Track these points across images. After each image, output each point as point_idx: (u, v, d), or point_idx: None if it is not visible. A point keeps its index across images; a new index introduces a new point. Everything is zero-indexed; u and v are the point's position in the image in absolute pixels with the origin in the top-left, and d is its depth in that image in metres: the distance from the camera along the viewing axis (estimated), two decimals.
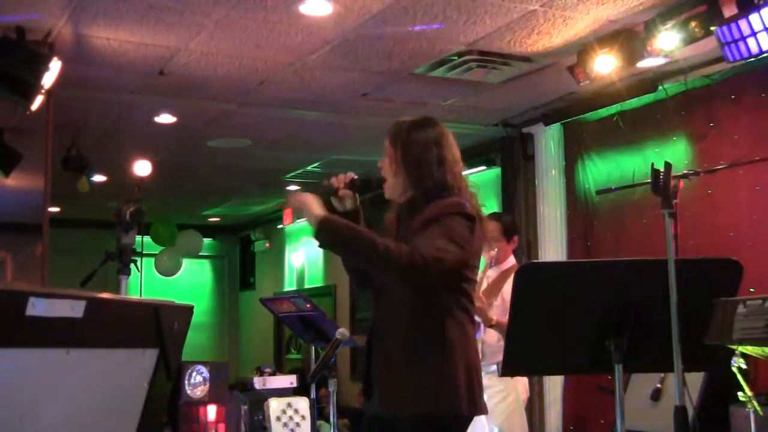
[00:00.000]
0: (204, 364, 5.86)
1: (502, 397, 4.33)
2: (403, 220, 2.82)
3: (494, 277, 4.52)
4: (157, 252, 10.75)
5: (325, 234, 2.63)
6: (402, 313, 2.70)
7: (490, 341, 4.34)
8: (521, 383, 4.40)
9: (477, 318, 4.28)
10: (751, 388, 3.54)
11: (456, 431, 2.70)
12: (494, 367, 4.32)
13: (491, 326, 4.27)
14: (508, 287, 4.37)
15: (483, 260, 4.51)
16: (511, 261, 4.57)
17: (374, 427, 2.81)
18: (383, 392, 2.71)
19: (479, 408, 2.71)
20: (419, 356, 2.65)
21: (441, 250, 2.55)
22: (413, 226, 2.70)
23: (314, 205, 2.66)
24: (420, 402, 2.62)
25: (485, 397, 4.36)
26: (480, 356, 4.31)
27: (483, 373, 4.35)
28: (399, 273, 2.55)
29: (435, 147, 2.80)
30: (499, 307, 4.31)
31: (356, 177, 2.89)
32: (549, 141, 6.67)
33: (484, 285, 4.50)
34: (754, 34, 4.11)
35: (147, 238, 10.19)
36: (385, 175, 2.86)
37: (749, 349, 2.62)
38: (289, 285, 11.26)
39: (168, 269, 10.83)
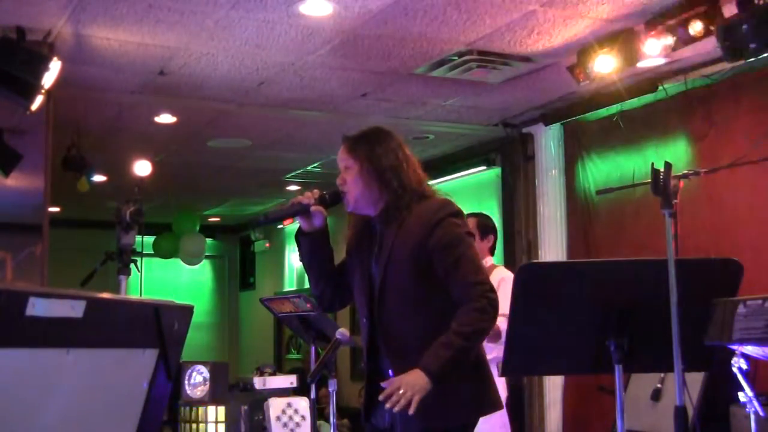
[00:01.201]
0: (204, 364, 5.87)
1: None
2: (379, 230, 2.79)
3: None
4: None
5: (444, 377, 2.59)
6: (419, 328, 2.69)
7: None
8: (500, 382, 4.38)
9: None
10: (752, 389, 3.53)
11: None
12: None
13: None
14: None
15: None
16: (489, 261, 4.55)
17: None
18: (425, 406, 2.66)
19: (499, 403, 2.81)
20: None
21: (484, 285, 2.65)
22: (404, 239, 2.70)
23: (419, 382, 2.54)
24: (467, 409, 2.67)
25: None
26: None
27: None
28: (492, 325, 2.68)
29: (399, 152, 2.82)
30: None
31: (325, 192, 2.84)
32: (549, 141, 6.68)
33: None
34: (754, 34, 4.10)
35: (147, 239, 10.20)
36: (352, 189, 2.80)
37: (749, 349, 2.62)
38: (289, 285, 11.26)
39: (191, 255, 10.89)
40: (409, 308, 2.71)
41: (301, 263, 2.97)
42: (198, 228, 10.93)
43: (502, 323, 4.17)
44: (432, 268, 2.68)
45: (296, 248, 2.94)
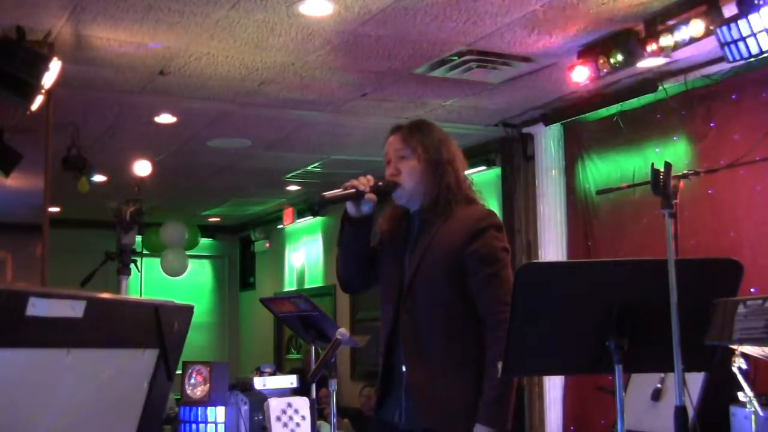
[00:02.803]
0: (204, 364, 5.86)
1: None
2: (419, 224, 2.78)
3: None
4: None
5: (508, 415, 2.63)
6: (445, 328, 2.69)
7: None
8: None
9: None
10: (752, 389, 3.54)
11: None
12: None
13: None
14: None
15: None
16: None
17: None
18: (425, 409, 2.66)
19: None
20: (461, 375, 2.65)
21: (506, 312, 2.58)
22: (444, 240, 2.69)
23: None
24: (458, 419, 2.64)
25: None
26: None
27: None
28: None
29: (451, 145, 2.81)
30: None
31: (380, 182, 2.79)
32: (549, 141, 6.67)
33: None
34: (754, 34, 4.10)
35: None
36: (403, 180, 2.76)
37: (749, 349, 2.62)
38: (289, 285, 11.26)
39: (174, 269, 10.87)
40: (434, 306, 2.70)
41: (337, 244, 2.92)
42: (198, 240, 10.93)
43: None
44: (464, 274, 2.67)
45: (339, 233, 2.87)
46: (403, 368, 2.70)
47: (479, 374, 2.66)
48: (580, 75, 5.10)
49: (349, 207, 2.78)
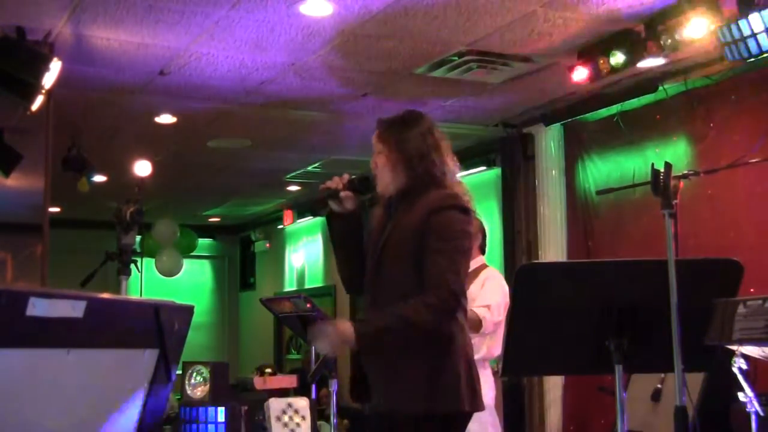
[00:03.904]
0: (204, 364, 5.86)
1: None
2: (392, 211, 2.82)
3: None
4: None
5: (369, 349, 2.65)
6: None
7: None
8: (487, 381, 4.39)
9: None
10: (752, 389, 3.54)
11: (457, 428, 2.70)
12: None
13: None
14: (474, 288, 4.37)
15: None
16: (479, 261, 4.54)
17: (377, 423, 2.80)
18: (385, 389, 2.70)
19: (480, 404, 2.71)
20: (421, 352, 2.65)
21: (451, 285, 2.61)
22: (405, 222, 2.72)
23: (342, 333, 2.60)
24: (422, 398, 2.62)
25: None
26: None
27: None
28: (434, 327, 2.63)
29: (429, 136, 2.84)
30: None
31: (354, 177, 2.88)
32: (549, 141, 6.67)
33: None
34: (754, 34, 4.10)
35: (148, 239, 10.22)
36: (380, 172, 2.85)
37: (750, 350, 2.62)
38: (290, 285, 11.26)
39: (169, 269, 10.86)
40: (396, 286, 2.72)
41: (331, 244, 2.99)
42: (195, 243, 10.95)
43: (484, 313, 4.20)
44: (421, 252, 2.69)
45: (328, 233, 2.95)
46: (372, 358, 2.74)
47: (437, 355, 2.66)
48: (581, 75, 5.11)
49: (333, 206, 2.87)
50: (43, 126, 4.94)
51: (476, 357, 4.30)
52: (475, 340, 4.31)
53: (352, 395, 2.85)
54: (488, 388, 4.38)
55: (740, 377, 3.33)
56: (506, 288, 4.30)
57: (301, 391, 5.96)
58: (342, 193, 2.84)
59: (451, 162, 2.86)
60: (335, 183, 2.86)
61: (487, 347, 4.34)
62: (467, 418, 2.72)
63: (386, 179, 2.84)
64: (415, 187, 2.77)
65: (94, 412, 1.66)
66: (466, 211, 2.74)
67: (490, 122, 6.98)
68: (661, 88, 5.66)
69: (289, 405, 5.51)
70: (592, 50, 5.03)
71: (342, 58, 5.30)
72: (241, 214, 11.66)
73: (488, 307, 4.21)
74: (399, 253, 2.71)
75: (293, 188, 9.51)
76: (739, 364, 3.33)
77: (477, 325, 4.17)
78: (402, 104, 6.30)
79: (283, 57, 5.25)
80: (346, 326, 2.60)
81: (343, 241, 2.93)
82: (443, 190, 2.77)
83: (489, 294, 4.28)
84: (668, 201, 2.61)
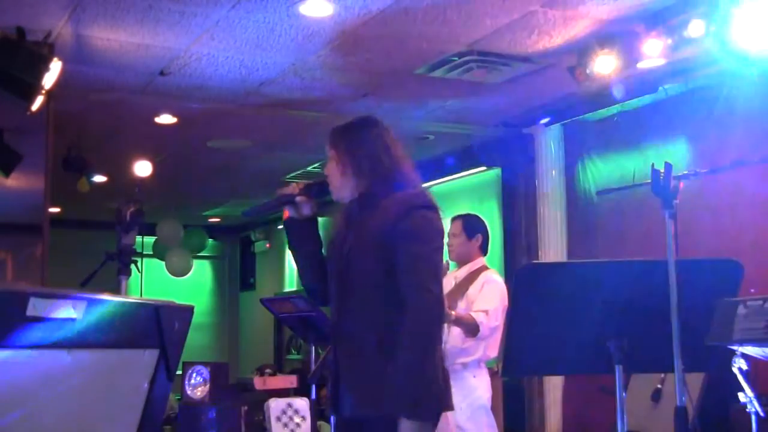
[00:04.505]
0: (204, 364, 5.86)
1: (463, 396, 4.32)
2: (354, 216, 2.81)
3: (462, 278, 4.51)
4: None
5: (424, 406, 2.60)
6: (375, 312, 2.70)
7: (455, 343, 4.33)
8: (483, 382, 4.39)
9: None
10: (752, 389, 3.54)
11: (435, 425, 2.70)
12: (456, 367, 4.33)
13: (452, 322, 4.26)
14: (473, 290, 4.37)
15: (453, 263, 4.55)
16: (480, 262, 4.55)
17: (347, 429, 2.80)
18: (360, 392, 2.69)
19: (450, 404, 2.72)
20: (389, 357, 2.63)
21: (433, 294, 2.61)
22: (374, 223, 2.71)
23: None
24: (390, 400, 2.62)
25: None
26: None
27: None
28: (437, 329, 2.63)
29: (380, 141, 2.84)
30: (464, 310, 4.31)
31: (310, 182, 2.92)
32: (549, 141, 6.67)
33: (452, 285, 4.51)
34: (754, 34, 4.10)
35: (147, 239, 10.23)
36: (332, 178, 2.87)
37: (750, 350, 2.62)
38: (290, 285, 11.26)
39: (179, 270, 10.92)
40: (364, 287, 2.70)
41: (290, 251, 3.00)
42: (206, 243, 11.02)
43: (482, 318, 4.20)
44: (394, 254, 2.67)
45: (287, 239, 2.96)
46: (338, 358, 2.72)
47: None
48: (581, 75, 5.10)
49: (291, 212, 2.89)
50: (43, 126, 4.94)
51: (472, 359, 4.34)
52: (470, 343, 4.32)
53: (329, 405, 2.84)
54: (485, 389, 4.39)
55: (740, 377, 3.34)
56: (505, 292, 4.31)
57: (301, 391, 5.96)
58: (298, 198, 2.85)
59: (407, 165, 2.85)
60: (291, 189, 2.88)
61: (483, 349, 4.34)
62: (438, 417, 2.75)
63: (338, 184, 2.85)
64: (372, 190, 2.77)
65: (95, 413, 1.66)
66: (435, 209, 2.75)
67: (490, 122, 6.98)
68: (661, 88, 5.66)
69: (289, 405, 5.52)
70: (592, 50, 5.02)
71: (342, 59, 5.30)
72: (240, 214, 11.65)
73: (486, 312, 4.21)
74: (367, 256, 2.71)
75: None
76: (739, 365, 3.33)
77: (474, 329, 4.17)
78: (402, 104, 6.31)
79: (283, 57, 5.25)
80: (407, 425, 2.54)
81: (302, 247, 2.93)
82: (410, 190, 2.78)
83: (487, 298, 4.28)
84: (668, 201, 2.61)
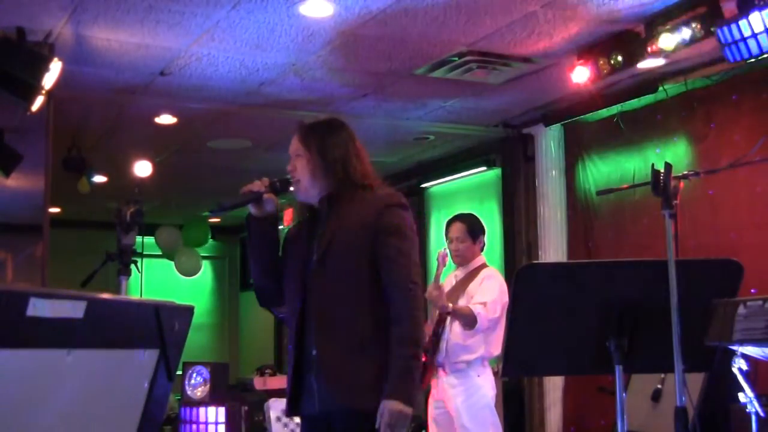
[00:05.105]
0: (204, 364, 5.87)
1: (468, 395, 4.34)
2: (322, 215, 2.85)
3: (463, 276, 4.53)
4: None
5: (414, 390, 2.68)
6: (357, 305, 2.73)
7: (456, 340, 4.35)
8: (487, 380, 4.40)
9: (435, 307, 4.33)
10: (752, 389, 3.54)
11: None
12: (460, 366, 4.33)
13: (449, 314, 4.28)
14: (473, 286, 4.39)
15: (451, 263, 4.57)
16: (480, 261, 4.56)
17: (313, 424, 2.81)
18: (338, 387, 2.69)
19: (421, 399, 2.83)
20: (370, 350, 2.69)
21: (417, 286, 2.74)
22: (350, 222, 2.76)
23: (401, 412, 2.61)
24: (376, 394, 2.65)
25: (451, 394, 4.39)
26: (443, 354, 4.36)
27: (448, 371, 4.39)
28: (419, 319, 2.75)
29: (350, 144, 2.92)
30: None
31: (275, 179, 2.94)
32: (549, 141, 6.67)
33: (453, 284, 4.52)
34: (754, 35, 4.10)
35: (148, 239, 10.22)
36: (300, 176, 2.90)
37: (750, 350, 2.62)
38: None
39: (189, 270, 10.95)
40: (345, 282, 2.75)
41: (249, 249, 3.01)
42: (209, 237, 11.08)
43: (480, 309, 4.21)
44: (374, 248, 2.74)
45: (247, 236, 2.98)
46: (313, 351, 2.73)
47: (386, 352, 2.68)
48: (581, 76, 5.11)
49: (252, 209, 2.90)
50: (43, 126, 4.95)
51: (475, 356, 4.35)
52: (472, 340, 4.33)
53: (291, 410, 2.84)
54: (489, 387, 4.40)
55: (740, 378, 3.34)
56: (505, 286, 4.33)
57: None
58: (265, 195, 2.87)
59: (371, 168, 2.93)
60: (257, 186, 2.90)
61: (486, 346, 4.35)
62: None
63: (307, 184, 2.89)
64: (341, 191, 2.82)
65: (95, 413, 1.66)
66: (408, 208, 2.87)
67: (490, 122, 6.98)
68: (661, 88, 5.66)
69: None
70: (592, 51, 5.03)
71: (342, 59, 5.30)
72: (241, 215, 11.59)
73: (484, 304, 4.23)
74: (348, 250, 2.76)
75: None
76: (739, 365, 3.33)
77: (471, 321, 4.19)
78: (402, 104, 6.31)
79: (283, 57, 5.25)
80: (394, 405, 2.60)
81: (260, 244, 2.94)
82: (384, 190, 2.87)
83: (486, 291, 4.31)
84: (668, 201, 2.61)
